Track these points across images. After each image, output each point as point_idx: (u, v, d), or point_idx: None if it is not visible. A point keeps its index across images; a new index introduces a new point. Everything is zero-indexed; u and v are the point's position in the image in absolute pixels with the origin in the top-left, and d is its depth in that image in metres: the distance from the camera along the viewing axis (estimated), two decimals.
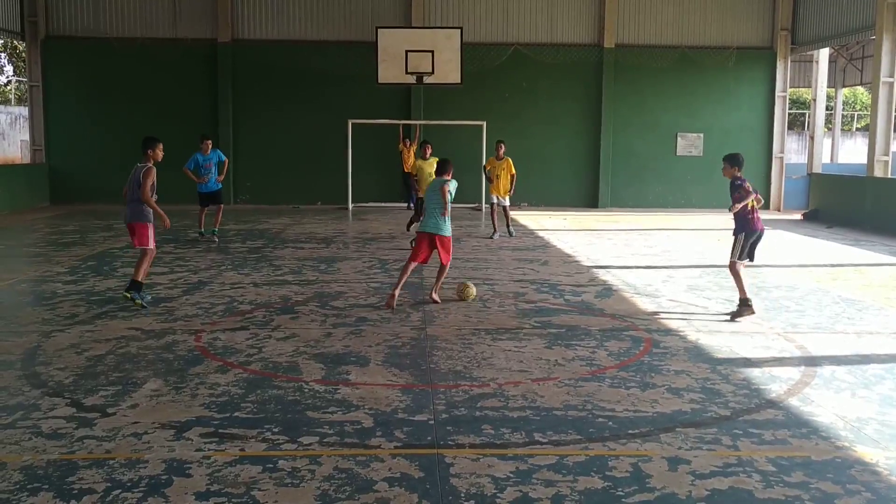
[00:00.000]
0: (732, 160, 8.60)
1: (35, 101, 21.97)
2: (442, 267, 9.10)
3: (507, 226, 15.30)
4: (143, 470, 4.36)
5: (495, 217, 15.21)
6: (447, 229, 9.00)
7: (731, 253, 8.59)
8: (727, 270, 9.14)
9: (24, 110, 27.86)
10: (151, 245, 8.87)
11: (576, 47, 22.47)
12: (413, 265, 9.05)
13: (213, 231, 14.36)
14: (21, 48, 31.76)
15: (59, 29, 21.89)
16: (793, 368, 6.58)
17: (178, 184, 14.63)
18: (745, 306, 8.41)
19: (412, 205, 20.77)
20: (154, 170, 8.84)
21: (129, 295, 8.64)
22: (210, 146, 14.33)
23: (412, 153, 20.57)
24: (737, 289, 8.54)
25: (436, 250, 9.02)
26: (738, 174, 8.48)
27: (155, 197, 8.78)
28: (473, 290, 9.29)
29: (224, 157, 14.64)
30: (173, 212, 18.77)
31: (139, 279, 8.74)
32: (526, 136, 22.29)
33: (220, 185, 14.41)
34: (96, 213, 19.16)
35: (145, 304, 8.61)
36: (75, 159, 21.99)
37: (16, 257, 12.62)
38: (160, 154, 9.00)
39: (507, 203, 15.08)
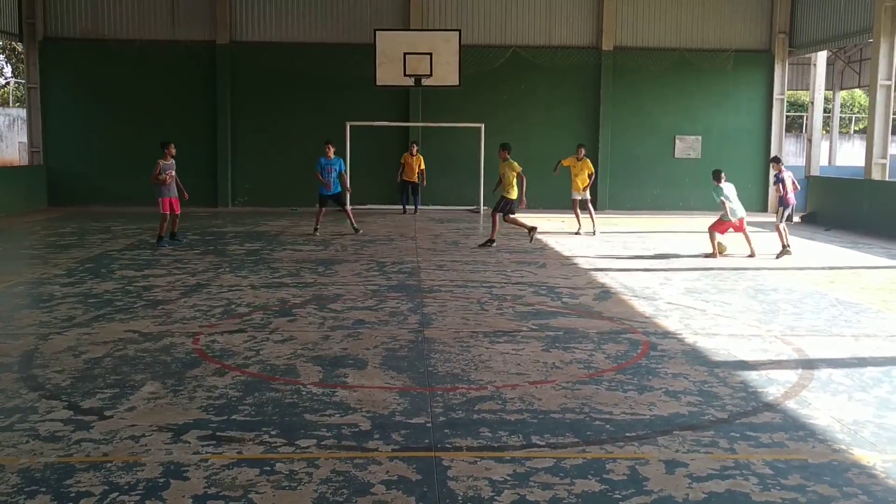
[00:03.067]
0: (775, 160, 14.26)
1: (33, 102, 21.93)
2: (744, 233, 13.51)
3: (592, 221, 16.63)
4: (140, 473, 4.36)
5: (578, 213, 16.68)
6: (729, 217, 13.26)
7: (777, 218, 13.72)
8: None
9: (22, 112, 27.86)
10: (162, 211, 13.51)
11: (574, 50, 22.50)
12: (716, 234, 13.40)
13: (356, 229, 15.83)
14: (19, 50, 31.76)
15: (58, 31, 21.87)
16: (790, 371, 6.59)
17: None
18: (784, 252, 13.35)
19: (415, 208, 20.72)
20: (160, 162, 13.44)
21: (160, 245, 13.50)
22: (332, 151, 15.47)
23: (415, 162, 20.42)
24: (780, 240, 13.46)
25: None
26: (779, 167, 13.82)
27: (168, 175, 13.42)
28: (725, 248, 13.58)
29: (344, 167, 15.86)
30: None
31: (160, 234, 13.71)
32: (524, 138, 22.24)
33: (339, 189, 15.63)
34: (94, 216, 19.15)
35: (166, 246, 13.41)
36: (73, 161, 21.96)
37: (13, 259, 12.61)
38: (173, 150, 13.61)
39: (588, 197, 16.56)
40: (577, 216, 16.71)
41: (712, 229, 13.52)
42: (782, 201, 13.61)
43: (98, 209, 20.62)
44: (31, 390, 5.80)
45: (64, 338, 7.33)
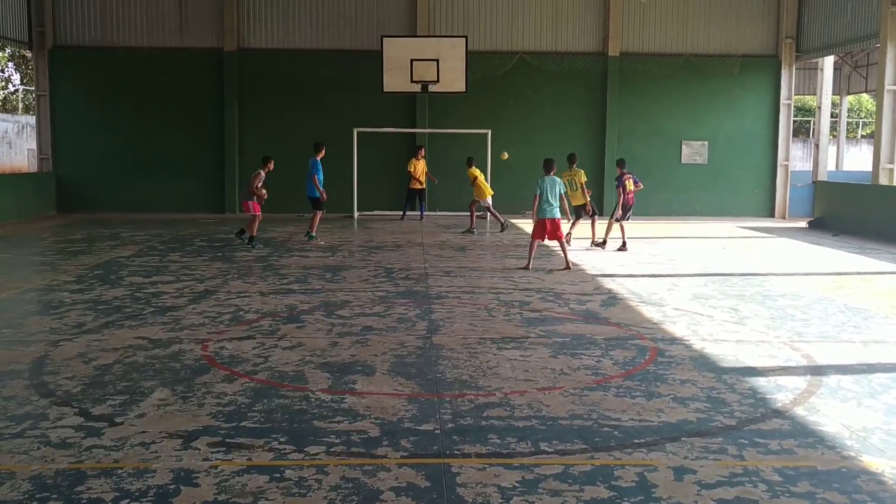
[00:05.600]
0: (621, 163, 15.25)
1: (42, 110, 22.07)
2: (560, 242, 12.52)
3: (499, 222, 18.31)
4: (150, 479, 4.38)
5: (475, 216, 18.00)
6: (557, 213, 12.38)
7: (613, 214, 15.15)
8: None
9: (32, 119, 28.01)
10: (255, 212, 14.44)
11: (580, 55, 22.51)
12: (536, 242, 12.50)
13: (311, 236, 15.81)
14: (28, 57, 31.93)
15: (66, 39, 22.00)
16: (798, 378, 6.57)
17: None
18: (601, 245, 14.94)
19: (420, 214, 20.81)
20: (261, 174, 14.46)
21: (240, 238, 14.65)
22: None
23: (421, 167, 20.53)
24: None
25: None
26: (623, 171, 14.94)
27: (265, 192, 14.43)
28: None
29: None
30: (180, 221, 18.81)
31: (251, 233, 14.53)
32: (531, 143, 22.27)
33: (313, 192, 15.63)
34: (103, 222, 19.23)
35: (253, 246, 14.30)
36: (82, 168, 22.07)
37: (23, 266, 12.68)
38: (271, 166, 14.66)
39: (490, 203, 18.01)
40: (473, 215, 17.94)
41: (533, 237, 12.56)
42: (624, 202, 14.75)
43: (106, 216, 20.71)
44: (42, 397, 5.83)
45: (74, 344, 7.37)
